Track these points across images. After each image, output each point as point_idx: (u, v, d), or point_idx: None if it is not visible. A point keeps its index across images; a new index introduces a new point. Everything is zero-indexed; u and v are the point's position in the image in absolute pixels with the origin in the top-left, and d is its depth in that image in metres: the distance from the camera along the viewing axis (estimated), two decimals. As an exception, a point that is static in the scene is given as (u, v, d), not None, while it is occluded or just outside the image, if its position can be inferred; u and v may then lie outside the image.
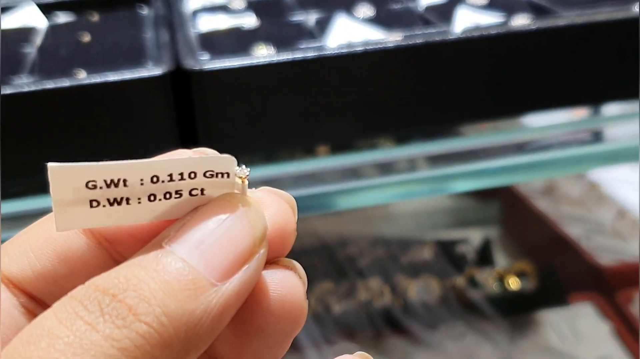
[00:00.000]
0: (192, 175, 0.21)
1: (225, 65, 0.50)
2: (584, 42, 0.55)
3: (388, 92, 0.54)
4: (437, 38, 0.53)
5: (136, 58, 0.55)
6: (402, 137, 0.61)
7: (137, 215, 0.22)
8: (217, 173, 0.22)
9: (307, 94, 0.52)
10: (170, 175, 0.21)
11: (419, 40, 0.53)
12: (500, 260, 0.95)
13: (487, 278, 0.87)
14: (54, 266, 0.23)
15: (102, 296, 0.19)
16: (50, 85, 0.49)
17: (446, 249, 0.94)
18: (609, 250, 0.90)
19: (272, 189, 0.24)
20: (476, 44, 0.54)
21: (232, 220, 0.21)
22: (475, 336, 0.83)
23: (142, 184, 0.21)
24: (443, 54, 0.54)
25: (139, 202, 0.21)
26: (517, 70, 0.55)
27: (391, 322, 0.84)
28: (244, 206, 0.22)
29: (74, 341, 0.18)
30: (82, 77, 0.51)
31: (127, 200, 0.21)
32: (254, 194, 0.23)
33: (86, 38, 0.60)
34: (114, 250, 0.23)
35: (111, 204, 0.21)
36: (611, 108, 0.70)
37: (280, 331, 0.23)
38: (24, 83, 0.50)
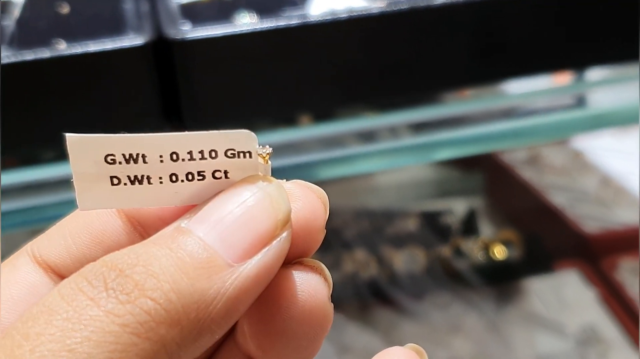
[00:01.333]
0: (213, 154, 0.21)
1: (208, 34, 0.50)
2: (570, 5, 0.55)
3: (373, 60, 0.54)
4: (422, 4, 0.53)
5: (117, 28, 0.54)
6: (385, 105, 0.60)
7: (160, 197, 0.21)
8: (238, 153, 0.21)
9: (291, 62, 0.52)
10: (190, 153, 0.21)
11: (403, 7, 0.53)
12: (485, 229, 0.95)
13: (473, 248, 0.88)
14: (90, 250, 0.23)
15: (108, 271, 0.19)
16: (30, 56, 0.48)
17: (431, 220, 0.94)
18: (593, 217, 0.91)
19: (303, 182, 0.23)
20: (461, 10, 0.53)
21: (253, 200, 0.21)
22: (461, 305, 0.83)
23: (161, 161, 0.20)
24: (428, 20, 0.53)
25: (161, 182, 0.21)
26: (503, 35, 0.55)
27: (377, 293, 0.84)
28: (266, 185, 0.21)
29: (73, 316, 0.18)
30: (62, 47, 0.51)
31: (149, 179, 0.21)
32: (284, 185, 0.22)
33: (65, 9, 0.59)
34: (147, 234, 0.23)
35: (132, 182, 0.20)
36: (594, 74, 0.70)
37: (302, 336, 0.22)
38: (4, 55, 0.49)
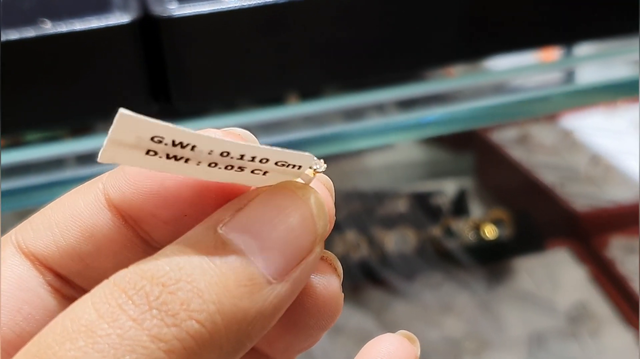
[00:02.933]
0: (264, 160, 0.20)
1: (195, 11, 0.49)
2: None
3: (360, 37, 0.54)
4: (409, -20, 0.53)
5: (103, 7, 0.53)
6: (372, 83, 0.60)
7: (188, 172, 0.20)
8: (289, 164, 0.20)
9: (279, 40, 0.52)
10: (242, 156, 0.19)
11: (391, -17, 0.52)
12: (476, 209, 0.95)
13: (463, 228, 0.88)
14: (79, 243, 0.21)
15: (150, 285, 0.17)
16: (14, 35, 0.48)
17: (422, 200, 0.94)
18: (583, 196, 0.91)
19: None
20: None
21: (296, 213, 0.20)
22: (452, 285, 0.83)
23: (210, 154, 0.19)
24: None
25: (198, 164, 0.19)
26: (492, 9, 0.55)
27: (369, 274, 0.84)
28: (309, 197, 0.20)
29: (116, 341, 0.17)
30: (48, 27, 0.50)
31: (187, 160, 0.19)
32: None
33: (50, -10, 0.59)
34: (140, 229, 0.22)
35: (168, 158, 0.19)
36: (582, 49, 0.70)
37: (313, 326, 0.22)
38: (-12, 35, 0.48)
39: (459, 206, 0.93)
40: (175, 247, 0.19)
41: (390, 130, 0.56)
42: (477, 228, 0.88)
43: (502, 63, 0.71)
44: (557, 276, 0.83)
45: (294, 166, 0.20)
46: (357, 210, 0.92)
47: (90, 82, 0.50)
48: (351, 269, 0.84)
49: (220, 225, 0.19)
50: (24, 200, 0.50)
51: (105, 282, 0.18)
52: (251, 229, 0.19)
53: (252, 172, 0.20)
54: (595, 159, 0.97)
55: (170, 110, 0.52)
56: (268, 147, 0.20)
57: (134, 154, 0.19)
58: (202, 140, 0.19)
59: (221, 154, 0.19)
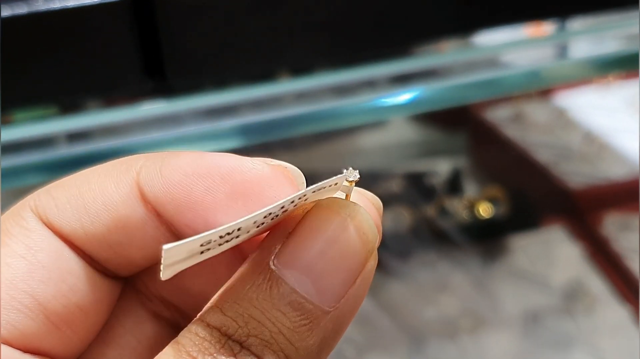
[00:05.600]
0: (304, 197, 0.20)
1: (189, -14, 0.49)
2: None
3: (352, 13, 0.53)
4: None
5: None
6: (363, 59, 0.60)
7: (241, 239, 0.20)
8: (327, 185, 0.20)
9: (272, 16, 0.51)
10: (283, 206, 0.20)
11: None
12: (470, 188, 0.95)
13: (458, 206, 0.88)
14: (110, 232, 0.21)
15: (231, 342, 0.19)
16: (7, 12, 0.47)
17: (416, 180, 0.94)
18: (578, 173, 0.91)
19: (358, 189, 0.23)
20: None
21: (343, 237, 0.20)
22: (447, 263, 0.83)
23: (254, 223, 0.20)
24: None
25: (248, 232, 0.20)
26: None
27: (364, 253, 0.84)
28: (352, 216, 0.20)
29: None
30: (40, 4, 0.50)
31: (237, 236, 0.20)
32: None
33: (41, -33, 0.58)
34: (172, 227, 0.22)
35: (220, 245, 0.20)
36: (575, 24, 0.70)
37: None
38: (-21, 12, 0.48)
39: (454, 185, 0.93)
40: (236, 292, 0.20)
41: (382, 106, 0.56)
42: (471, 206, 0.88)
43: (493, 38, 0.71)
44: (552, 254, 0.83)
45: (330, 185, 0.20)
46: (351, 190, 0.91)
47: (85, 59, 0.49)
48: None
49: (272, 257, 0.20)
50: (15, 180, 0.49)
51: (188, 334, 0.20)
52: (300, 263, 0.20)
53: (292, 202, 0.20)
54: (590, 137, 0.97)
55: (165, 86, 0.52)
56: (303, 190, 0.20)
57: (191, 260, 0.20)
58: (244, 222, 0.19)
59: (264, 216, 0.20)
